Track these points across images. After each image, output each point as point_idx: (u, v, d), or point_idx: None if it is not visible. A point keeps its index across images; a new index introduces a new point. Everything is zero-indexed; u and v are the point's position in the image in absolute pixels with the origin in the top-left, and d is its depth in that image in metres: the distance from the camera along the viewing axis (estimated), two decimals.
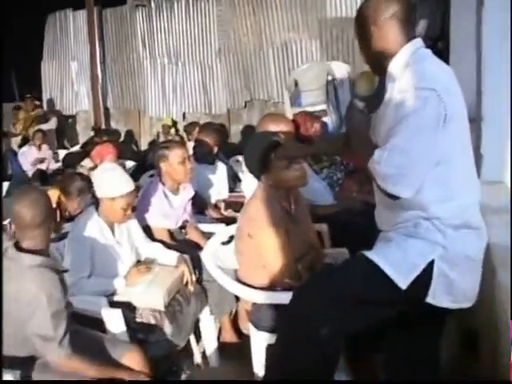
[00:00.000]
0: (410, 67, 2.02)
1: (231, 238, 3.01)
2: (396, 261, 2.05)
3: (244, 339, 3.03)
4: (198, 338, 3.31)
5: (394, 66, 2.07)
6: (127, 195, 2.91)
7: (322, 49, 8.55)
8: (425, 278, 2.02)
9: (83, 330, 2.50)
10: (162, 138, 9.23)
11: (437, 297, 2.05)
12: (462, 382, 2.58)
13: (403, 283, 2.02)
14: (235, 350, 3.28)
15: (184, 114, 9.96)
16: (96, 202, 2.97)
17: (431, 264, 2.02)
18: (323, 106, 6.81)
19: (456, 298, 2.07)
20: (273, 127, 3.17)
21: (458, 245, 2.03)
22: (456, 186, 2.04)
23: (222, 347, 3.35)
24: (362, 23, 2.13)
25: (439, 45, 7.34)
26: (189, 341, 3.19)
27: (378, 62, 2.13)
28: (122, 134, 10.56)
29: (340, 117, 6.44)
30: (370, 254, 2.10)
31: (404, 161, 1.92)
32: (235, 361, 3.18)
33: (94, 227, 2.91)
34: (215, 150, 4.71)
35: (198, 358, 3.29)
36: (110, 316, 2.67)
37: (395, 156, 1.93)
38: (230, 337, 3.39)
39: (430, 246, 2.03)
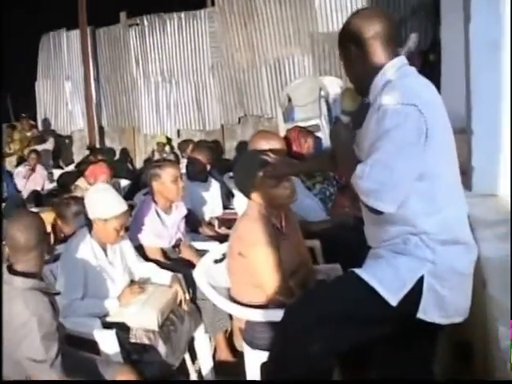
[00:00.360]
0: (391, 83, 2.03)
1: (224, 255, 3.01)
2: (386, 278, 2.05)
3: (240, 357, 3.02)
4: (194, 357, 3.30)
5: (377, 83, 2.09)
6: (120, 216, 2.90)
7: (314, 64, 8.60)
8: (415, 294, 2.02)
9: (75, 353, 2.49)
10: (156, 156, 9.25)
11: (428, 312, 2.05)
12: (462, 381, 2.58)
13: (394, 300, 2.02)
14: (231, 368, 3.27)
15: (178, 131, 9.99)
16: (88, 223, 2.97)
17: (421, 280, 2.02)
18: (316, 121, 6.86)
19: (447, 313, 2.07)
20: (264, 144, 3.18)
21: (447, 260, 2.03)
22: (442, 200, 2.04)
23: (218, 365, 3.34)
24: (345, 42, 2.15)
25: (430, 57, 7.42)
26: (184, 360, 3.19)
27: (361, 81, 2.15)
28: (117, 153, 10.59)
29: None
30: (360, 272, 2.11)
31: (385, 176, 1.93)
32: (231, 378, 3.17)
33: (86, 248, 2.90)
34: (208, 167, 4.73)
35: (193, 377, 3.28)
36: (104, 337, 2.66)
37: (376, 171, 1.94)
38: (225, 355, 3.38)
39: (419, 262, 2.03)
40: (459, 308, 2.11)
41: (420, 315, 2.05)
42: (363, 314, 2.09)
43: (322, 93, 7.09)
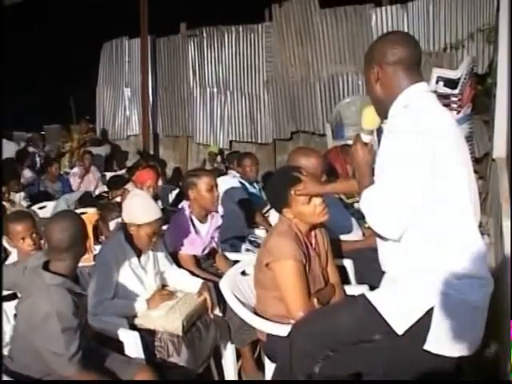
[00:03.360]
0: (405, 110, 2.04)
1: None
2: (394, 305, 2.04)
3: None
4: (219, 366, 3.33)
5: (395, 107, 2.10)
6: (153, 223, 2.96)
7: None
8: (424, 325, 2.00)
9: (100, 350, 2.57)
10: (208, 165, 9.37)
11: (436, 344, 2.02)
12: (461, 382, 2.52)
13: (400, 329, 2.01)
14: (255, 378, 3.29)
15: (231, 143, 10.10)
16: (124, 227, 3.06)
17: (431, 311, 2.00)
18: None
19: (456, 346, 2.03)
20: (303, 160, 3.22)
21: (460, 293, 1.99)
22: (455, 233, 2.02)
23: (243, 376, 3.38)
24: (370, 63, 2.17)
25: (488, 81, 7.28)
26: (210, 369, 3.23)
27: (382, 103, 2.16)
28: (170, 160, 10.78)
29: None
30: (370, 296, 2.11)
31: (388, 201, 1.94)
32: None
33: (119, 251, 2.99)
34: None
35: None
36: (129, 338, 2.73)
37: (380, 196, 1.95)
38: (250, 366, 3.39)
39: (430, 293, 2.01)
40: (469, 341, 2.06)
41: (428, 347, 2.02)
42: (368, 338, 2.08)
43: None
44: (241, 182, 5.35)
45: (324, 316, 2.28)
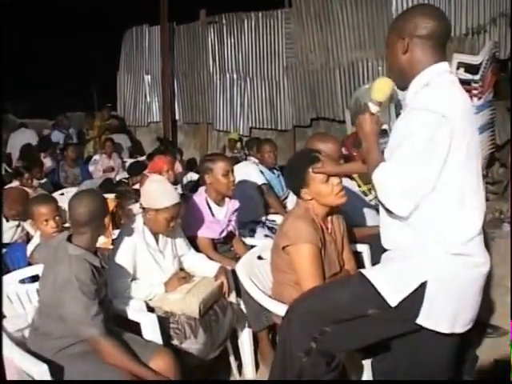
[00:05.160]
0: (428, 88, 2.04)
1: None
2: (388, 278, 2.09)
3: None
4: (236, 349, 3.38)
5: (416, 83, 2.10)
6: (170, 208, 2.98)
7: (387, 68, 8.41)
8: (417, 299, 2.04)
9: (120, 332, 2.63)
10: (227, 152, 9.39)
11: (428, 319, 2.06)
12: (461, 382, 2.54)
13: (392, 301, 2.05)
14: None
15: (251, 129, 10.11)
16: (143, 211, 3.10)
17: (424, 285, 2.03)
18: (385, 126, 6.77)
19: (448, 322, 2.07)
20: (320, 146, 3.23)
21: (454, 270, 2.04)
22: (458, 212, 2.04)
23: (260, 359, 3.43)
24: (398, 33, 2.13)
25: (510, 66, 7.19)
26: (227, 352, 3.28)
27: (403, 76, 2.15)
28: (191, 147, 10.83)
29: None
30: (366, 271, 2.18)
31: (403, 178, 1.95)
32: None
33: (138, 235, 3.03)
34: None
35: (234, 369, 3.37)
36: (147, 320, 2.77)
37: (396, 172, 1.95)
38: (267, 350, 3.42)
39: (424, 268, 2.04)
40: (461, 319, 2.10)
41: (420, 321, 2.06)
42: (363, 312, 2.12)
43: (393, 98, 6.99)
44: (260, 171, 5.37)
45: (320, 292, 2.33)
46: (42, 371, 2.28)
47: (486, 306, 3.60)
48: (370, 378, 2.78)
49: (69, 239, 2.50)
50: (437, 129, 1.93)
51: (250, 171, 5.17)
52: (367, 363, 2.76)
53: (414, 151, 1.94)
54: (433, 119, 1.93)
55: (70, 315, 2.36)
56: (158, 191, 3.01)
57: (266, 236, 4.47)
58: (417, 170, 1.95)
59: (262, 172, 5.32)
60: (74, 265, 2.38)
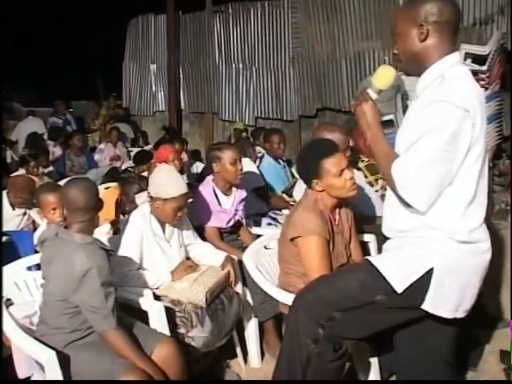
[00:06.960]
0: (445, 80, 2.00)
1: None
2: (395, 265, 2.11)
3: None
4: (242, 338, 3.39)
5: (429, 73, 2.07)
6: (178, 197, 2.98)
7: (394, 59, 8.38)
8: (423, 285, 2.06)
9: (126, 319, 2.63)
10: (233, 142, 9.37)
11: (433, 305, 2.08)
12: (462, 382, 2.56)
13: (399, 287, 2.06)
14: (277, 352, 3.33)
15: (256, 119, 10.08)
16: (151, 200, 3.09)
17: (431, 272, 2.05)
18: (391, 117, 6.75)
19: (453, 307, 2.10)
20: (328, 135, 3.22)
21: (460, 257, 2.06)
22: (466, 204, 2.05)
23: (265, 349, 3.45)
24: (413, 18, 2.06)
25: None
26: (232, 341, 3.29)
27: (414, 63, 2.12)
28: (196, 136, 10.82)
29: None
30: (372, 259, 2.19)
31: (426, 176, 1.95)
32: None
33: (145, 224, 3.03)
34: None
35: (240, 358, 3.38)
36: (153, 308, 2.78)
37: (422, 170, 1.94)
38: (273, 340, 3.44)
39: (431, 255, 2.06)
40: (465, 304, 2.13)
41: (426, 307, 2.08)
42: (370, 299, 2.14)
43: (399, 89, 6.96)
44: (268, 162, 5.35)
45: (328, 280, 2.34)
46: (49, 357, 2.29)
47: (494, 298, 3.61)
48: (378, 377, 2.81)
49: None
50: (460, 123, 1.91)
51: (254, 167, 5.16)
52: (374, 361, 2.79)
53: (438, 147, 1.92)
54: (456, 113, 1.91)
55: (87, 308, 2.33)
56: (167, 181, 3.01)
57: (269, 224, 4.47)
58: (442, 168, 1.94)
59: (260, 170, 5.27)
60: (92, 254, 2.33)
